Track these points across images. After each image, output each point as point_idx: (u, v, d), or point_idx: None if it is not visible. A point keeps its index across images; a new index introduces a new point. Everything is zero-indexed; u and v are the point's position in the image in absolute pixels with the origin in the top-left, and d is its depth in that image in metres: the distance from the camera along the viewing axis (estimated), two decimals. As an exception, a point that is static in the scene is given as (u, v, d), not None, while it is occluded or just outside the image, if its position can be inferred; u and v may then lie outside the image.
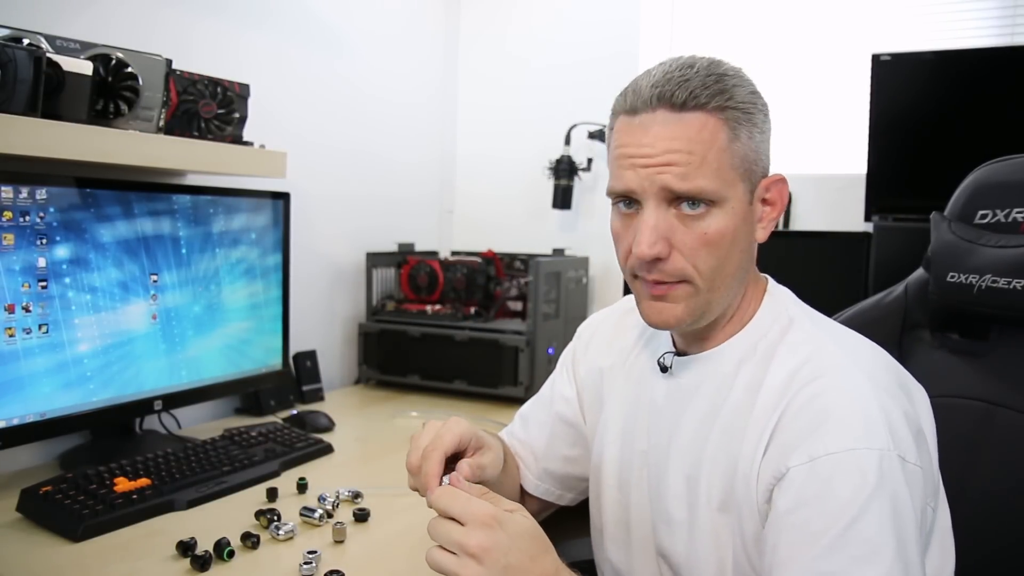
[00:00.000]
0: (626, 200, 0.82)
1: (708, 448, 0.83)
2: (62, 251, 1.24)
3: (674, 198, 0.78)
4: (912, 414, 0.77)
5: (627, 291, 2.13)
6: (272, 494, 1.23)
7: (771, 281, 0.90)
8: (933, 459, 0.79)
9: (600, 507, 0.98)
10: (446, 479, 0.79)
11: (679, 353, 0.90)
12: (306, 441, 1.46)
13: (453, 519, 0.73)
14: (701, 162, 0.77)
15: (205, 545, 1.00)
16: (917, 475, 0.72)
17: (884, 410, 0.72)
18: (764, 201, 0.83)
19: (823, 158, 2.13)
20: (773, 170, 0.84)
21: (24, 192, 1.17)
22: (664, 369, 0.90)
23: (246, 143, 1.51)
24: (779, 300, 0.88)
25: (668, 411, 0.89)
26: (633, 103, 0.80)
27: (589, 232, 2.33)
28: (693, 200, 0.78)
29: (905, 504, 0.70)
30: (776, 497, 0.73)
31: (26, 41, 1.13)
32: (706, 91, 0.77)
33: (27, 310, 1.19)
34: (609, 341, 1.03)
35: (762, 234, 0.84)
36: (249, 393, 1.73)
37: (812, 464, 0.71)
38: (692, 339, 0.88)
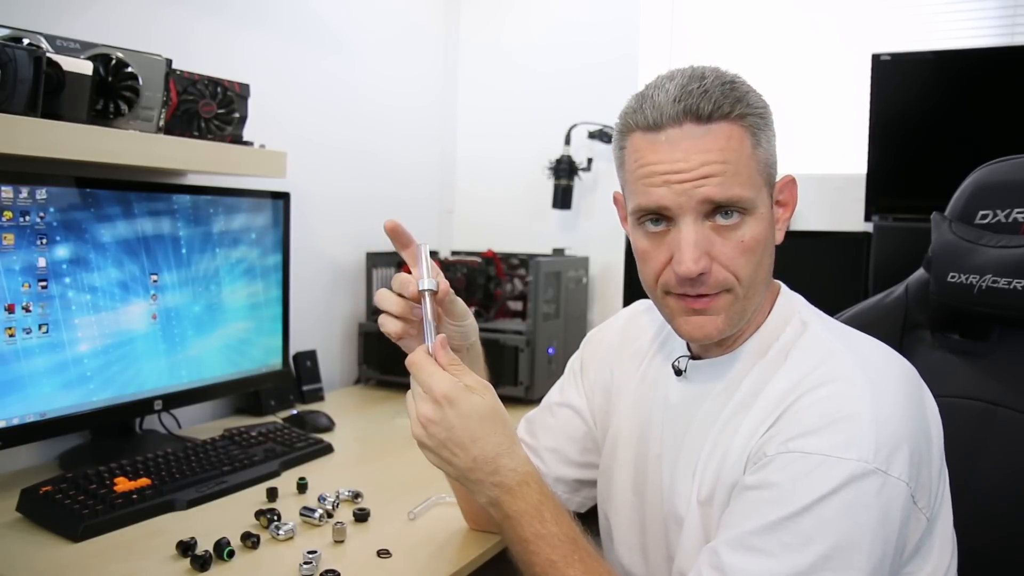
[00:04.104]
0: (654, 218, 0.81)
1: (707, 445, 0.84)
2: (62, 251, 1.23)
3: (710, 211, 0.78)
4: (919, 424, 0.77)
5: (628, 295, 2.13)
6: (272, 494, 1.23)
7: (783, 286, 0.91)
8: (935, 467, 0.80)
9: (610, 511, 0.98)
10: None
11: (693, 357, 0.91)
12: (306, 441, 1.46)
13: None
14: (736, 171, 0.78)
15: (205, 545, 1.00)
16: (899, 489, 0.73)
17: (879, 423, 0.73)
18: (778, 203, 0.84)
19: (823, 158, 2.13)
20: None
21: (24, 192, 1.17)
22: (679, 373, 0.91)
23: (246, 143, 1.51)
24: (792, 304, 0.88)
25: (681, 414, 0.89)
26: (655, 119, 0.79)
27: (589, 232, 2.33)
28: (727, 210, 0.78)
29: (868, 516, 0.71)
30: (748, 473, 0.78)
31: (26, 41, 1.13)
32: (727, 100, 0.78)
33: (27, 310, 1.19)
34: (619, 346, 1.04)
35: (780, 236, 0.85)
36: (249, 393, 1.73)
37: (788, 456, 0.74)
38: (713, 344, 0.88)
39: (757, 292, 0.83)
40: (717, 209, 0.78)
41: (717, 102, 0.77)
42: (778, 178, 0.84)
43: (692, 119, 0.78)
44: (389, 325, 0.89)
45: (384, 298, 0.89)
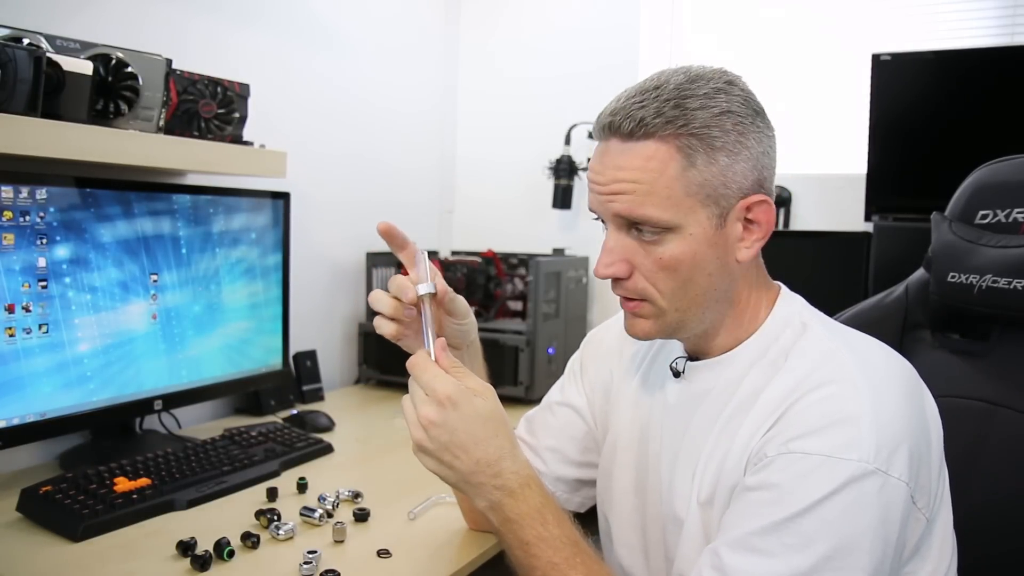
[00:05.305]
0: (600, 219, 0.86)
1: (707, 446, 0.84)
2: (62, 251, 1.23)
3: (629, 223, 0.81)
4: (918, 425, 0.78)
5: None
6: (272, 494, 1.23)
7: (784, 288, 0.90)
8: (934, 467, 0.80)
9: (610, 512, 0.98)
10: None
11: (691, 358, 0.91)
12: (306, 441, 1.46)
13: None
14: (649, 191, 0.78)
15: (205, 545, 1.00)
16: (899, 490, 0.73)
17: (879, 423, 0.73)
18: (748, 220, 0.82)
19: (823, 158, 2.13)
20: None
21: (24, 192, 1.17)
22: (677, 374, 0.91)
23: (246, 143, 1.51)
24: (791, 306, 0.88)
25: (679, 414, 0.90)
26: (595, 129, 0.83)
27: (589, 232, 2.33)
28: (641, 227, 0.80)
29: (868, 516, 0.71)
30: (748, 474, 0.78)
31: (26, 41, 1.13)
32: (658, 119, 0.77)
33: (27, 310, 1.19)
34: (619, 347, 1.04)
35: (744, 254, 0.82)
36: (249, 393, 1.73)
37: (789, 456, 0.74)
38: (695, 347, 0.89)
39: (695, 307, 0.82)
40: (633, 223, 0.80)
41: (643, 120, 0.77)
42: (752, 197, 0.80)
43: (616, 135, 0.80)
44: (384, 327, 0.90)
45: (377, 300, 0.90)
